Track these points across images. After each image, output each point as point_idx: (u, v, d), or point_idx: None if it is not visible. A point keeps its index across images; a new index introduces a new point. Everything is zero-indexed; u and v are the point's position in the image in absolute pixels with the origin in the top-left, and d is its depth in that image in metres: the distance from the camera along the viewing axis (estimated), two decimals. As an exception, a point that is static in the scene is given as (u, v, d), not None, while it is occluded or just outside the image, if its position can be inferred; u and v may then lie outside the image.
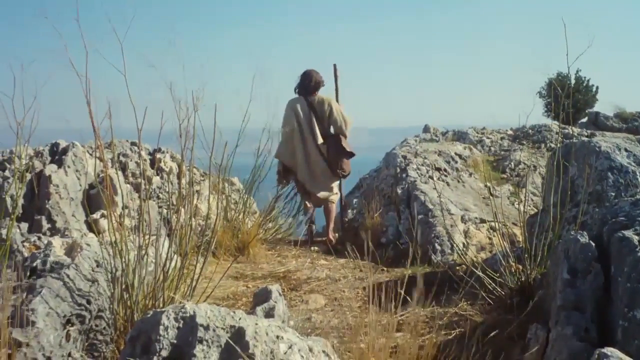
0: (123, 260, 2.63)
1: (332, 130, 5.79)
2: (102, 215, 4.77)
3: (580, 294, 2.33)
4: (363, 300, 3.77)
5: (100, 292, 2.62)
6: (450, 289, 3.65)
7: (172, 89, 2.73)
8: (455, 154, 7.57)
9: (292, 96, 5.86)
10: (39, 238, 4.16)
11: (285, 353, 1.77)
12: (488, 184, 6.95)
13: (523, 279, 3.17)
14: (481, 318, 3.13)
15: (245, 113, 5.19)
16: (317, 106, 5.72)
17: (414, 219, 5.53)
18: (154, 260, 2.72)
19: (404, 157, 6.87)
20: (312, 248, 5.53)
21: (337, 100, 6.03)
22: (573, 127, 9.88)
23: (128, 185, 5.58)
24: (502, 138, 9.27)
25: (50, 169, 5.00)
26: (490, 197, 5.34)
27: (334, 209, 5.91)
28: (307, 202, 5.81)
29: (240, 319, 1.83)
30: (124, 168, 5.81)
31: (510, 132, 9.62)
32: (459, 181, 6.79)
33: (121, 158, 5.87)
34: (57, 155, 5.33)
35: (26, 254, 3.28)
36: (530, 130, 9.35)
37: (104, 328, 2.57)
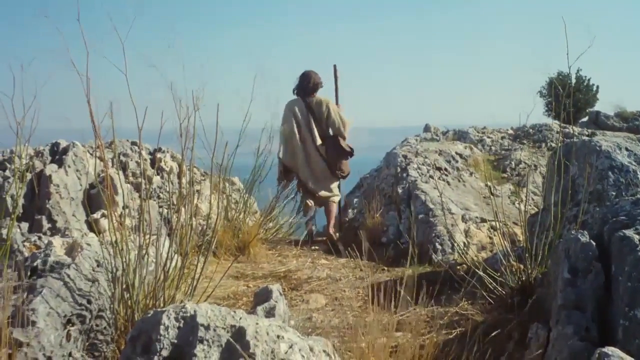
0: (123, 260, 2.63)
1: (330, 131, 5.80)
2: (103, 215, 4.77)
3: (581, 293, 2.33)
4: (364, 300, 3.77)
5: (101, 292, 2.62)
6: (451, 289, 3.65)
7: (173, 88, 2.73)
8: (456, 153, 7.57)
9: (292, 96, 5.87)
10: (40, 238, 4.17)
11: (286, 353, 1.77)
12: (489, 184, 6.94)
13: (524, 279, 3.17)
14: (482, 317, 3.13)
15: (246, 113, 5.20)
16: (315, 107, 5.73)
17: (414, 218, 5.52)
18: (154, 260, 2.72)
19: (405, 157, 6.86)
20: (313, 248, 5.53)
21: (337, 101, 6.04)
22: (574, 127, 9.87)
23: (128, 185, 5.58)
24: (502, 137, 9.26)
25: (51, 169, 5.00)
26: (491, 197, 5.34)
27: (335, 208, 5.92)
28: (307, 202, 5.82)
29: (240, 318, 1.83)
30: (124, 168, 5.81)
31: (510, 131, 9.62)
32: (459, 180, 6.79)
33: (122, 158, 5.87)
34: (58, 155, 5.33)
35: (27, 254, 3.28)
36: (530, 130, 9.34)
37: (105, 328, 2.57)
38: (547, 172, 5.09)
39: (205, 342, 1.75)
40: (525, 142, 8.96)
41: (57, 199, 4.87)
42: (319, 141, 5.73)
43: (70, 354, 2.31)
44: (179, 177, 5.84)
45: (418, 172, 6.42)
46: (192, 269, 2.86)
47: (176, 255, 2.83)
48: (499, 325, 2.86)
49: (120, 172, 5.32)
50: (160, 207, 5.60)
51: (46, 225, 4.76)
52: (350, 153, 5.81)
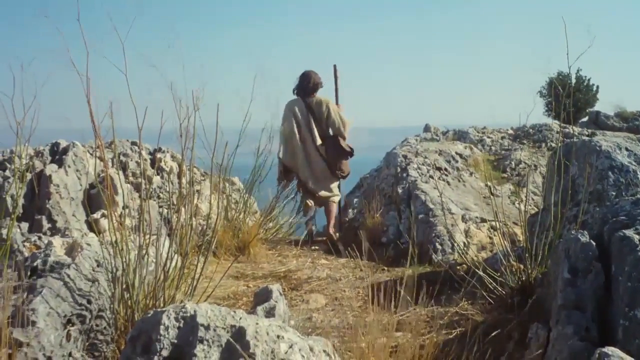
0: (123, 260, 2.63)
1: (330, 131, 5.80)
2: (103, 215, 4.77)
3: (581, 293, 2.33)
4: (364, 300, 3.77)
5: (101, 292, 2.62)
6: (451, 289, 3.65)
7: (173, 88, 2.73)
8: (456, 153, 7.57)
9: (292, 96, 5.87)
10: (40, 238, 4.17)
11: (286, 353, 1.77)
12: (489, 183, 6.94)
13: (524, 279, 3.17)
14: (482, 317, 3.13)
15: (247, 113, 5.20)
16: (315, 107, 5.74)
17: (414, 218, 5.52)
18: (154, 260, 2.72)
19: (405, 157, 6.86)
20: (313, 248, 5.53)
21: (337, 101, 6.04)
22: (574, 127, 9.87)
23: (128, 185, 5.58)
24: (502, 137, 9.26)
25: (51, 169, 5.00)
26: (491, 197, 5.34)
27: (334, 208, 5.92)
28: (307, 202, 5.82)
29: (240, 318, 1.83)
30: (124, 168, 5.81)
31: (510, 131, 9.61)
32: (459, 180, 6.79)
33: (122, 158, 5.88)
34: (58, 155, 5.33)
35: (27, 254, 3.28)
36: (530, 130, 9.34)
37: (105, 328, 2.57)
38: (547, 172, 5.09)
39: (205, 342, 1.75)
40: (525, 142, 8.96)
41: (57, 199, 4.87)
42: (318, 141, 5.73)
43: (70, 354, 2.31)
44: (179, 177, 5.84)
45: (418, 172, 6.42)
46: (192, 269, 2.86)
47: (176, 255, 2.83)
48: (499, 325, 2.86)
49: (120, 172, 5.33)
50: (160, 207, 5.60)
51: (46, 225, 4.76)
52: (350, 153, 5.81)
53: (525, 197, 5.73)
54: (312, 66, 6.01)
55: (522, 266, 3.23)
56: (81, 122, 2.70)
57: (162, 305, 2.61)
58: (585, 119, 14.01)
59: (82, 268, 2.60)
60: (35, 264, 2.55)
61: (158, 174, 6.04)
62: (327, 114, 5.72)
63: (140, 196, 4.83)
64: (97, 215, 4.86)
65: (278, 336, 1.81)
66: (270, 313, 2.61)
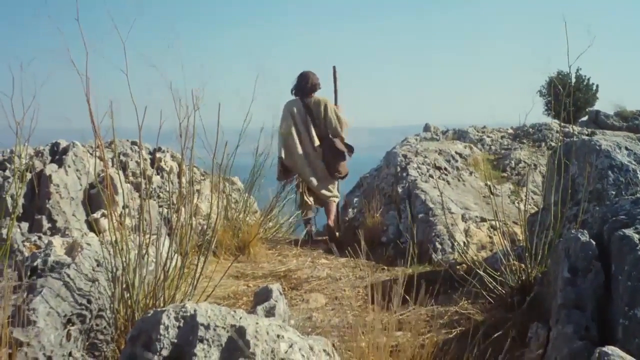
0: (123, 259, 2.63)
1: (328, 131, 5.81)
2: (103, 215, 4.77)
3: (580, 292, 2.33)
4: (364, 299, 3.77)
5: (101, 292, 2.62)
6: (451, 288, 3.65)
7: (173, 88, 2.73)
8: (456, 152, 7.57)
9: (292, 96, 5.88)
10: (40, 238, 4.17)
11: (286, 352, 1.77)
12: (488, 183, 6.95)
13: (524, 278, 3.17)
14: (482, 317, 3.13)
15: (247, 113, 5.20)
16: (313, 107, 5.75)
17: (414, 217, 5.52)
18: (154, 260, 2.72)
19: (405, 156, 6.86)
20: (313, 247, 5.53)
21: (336, 102, 6.04)
22: (573, 126, 9.87)
23: (128, 185, 5.58)
24: (502, 137, 9.26)
25: (51, 169, 5.00)
26: (491, 196, 5.34)
27: (334, 207, 5.94)
28: (307, 201, 5.82)
29: (240, 318, 1.83)
30: (124, 167, 5.81)
31: (510, 130, 9.62)
32: (459, 180, 6.79)
33: (121, 157, 5.88)
34: (58, 154, 5.34)
35: (27, 254, 3.28)
36: (530, 129, 9.34)
37: (105, 327, 2.57)
38: (547, 172, 5.09)
39: (205, 342, 1.75)
40: (525, 141, 8.96)
41: (57, 199, 4.87)
42: (316, 142, 5.74)
43: (70, 354, 2.32)
44: (179, 176, 5.84)
45: (418, 171, 6.42)
46: (192, 268, 2.86)
47: (176, 254, 2.83)
48: (499, 324, 2.86)
49: (120, 172, 5.33)
50: (160, 206, 5.60)
51: (46, 225, 4.76)
52: (350, 150, 5.82)
53: (525, 196, 5.74)
54: (312, 66, 6.03)
55: (522, 265, 3.23)
56: (81, 122, 2.71)
57: (162, 304, 2.61)
58: (585, 118, 14.00)
59: (82, 268, 2.60)
60: (35, 263, 2.55)
61: (158, 174, 6.04)
62: (324, 114, 5.73)
63: (140, 196, 4.83)
64: (97, 215, 4.86)
65: (278, 335, 1.81)
66: (270, 312, 2.61)
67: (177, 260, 2.80)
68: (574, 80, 14.11)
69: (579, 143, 4.69)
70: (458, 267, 4.06)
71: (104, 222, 4.64)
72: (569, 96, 4.22)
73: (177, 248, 2.89)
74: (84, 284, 2.54)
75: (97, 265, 2.71)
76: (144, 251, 2.67)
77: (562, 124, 7.91)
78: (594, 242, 2.46)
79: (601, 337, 2.19)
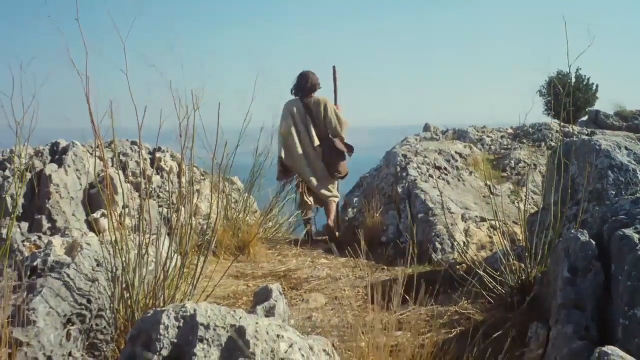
0: (124, 259, 2.63)
1: (328, 131, 5.81)
2: (103, 215, 4.77)
3: (580, 292, 2.33)
4: (364, 299, 3.77)
5: (101, 292, 2.62)
6: (451, 288, 3.65)
7: (173, 88, 2.73)
8: (456, 152, 7.57)
9: (292, 96, 5.88)
10: (40, 238, 4.17)
11: (286, 352, 1.77)
12: (488, 183, 6.94)
13: (524, 278, 3.17)
14: (482, 317, 3.13)
15: (247, 113, 5.20)
16: (313, 107, 5.75)
17: (414, 217, 5.52)
18: (154, 260, 2.72)
19: (405, 156, 6.86)
20: (313, 247, 5.54)
21: (335, 102, 6.05)
22: (573, 126, 9.87)
23: (128, 185, 5.58)
24: (502, 137, 9.26)
25: (51, 169, 5.00)
26: (491, 196, 5.34)
27: (334, 207, 5.94)
28: (307, 201, 5.83)
29: (240, 318, 1.83)
30: (124, 167, 5.81)
31: (510, 130, 9.61)
32: (459, 180, 6.78)
33: (121, 157, 5.88)
34: (58, 154, 5.33)
35: (27, 254, 3.28)
36: (530, 129, 9.34)
37: (105, 327, 2.57)
38: (547, 172, 5.09)
39: (205, 342, 1.75)
40: (525, 141, 8.96)
41: (57, 199, 4.87)
42: (316, 142, 5.75)
43: (70, 354, 2.32)
44: (179, 176, 5.84)
45: (418, 171, 6.42)
46: (192, 268, 2.86)
47: (176, 254, 2.83)
48: (499, 324, 2.86)
49: (120, 172, 5.33)
50: (160, 206, 5.60)
51: (46, 225, 4.76)
52: (350, 150, 5.82)
53: (525, 196, 5.74)
54: (312, 66, 6.04)
55: (522, 265, 3.23)
56: (81, 122, 2.71)
57: (162, 304, 2.61)
58: (585, 118, 14.00)
59: (82, 268, 2.60)
60: (35, 263, 2.55)
61: (158, 174, 6.04)
62: (324, 114, 5.73)
63: (140, 196, 4.83)
64: (97, 215, 4.86)
65: (278, 335, 1.81)
66: (270, 312, 2.61)
67: (177, 260, 2.80)
68: (574, 80, 14.10)
69: (579, 143, 4.69)
70: (458, 267, 4.06)
71: (104, 222, 4.64)
72: (569, 96, 4.22)
73: (177, 248, 2.89)
74: (84, 284, 2.54)
75: (97, 265, 2.71)
76: (144, 251, 2.67)
77: (562, 124, 7.91)
78: (594, 242, 2.46)
79: (601, 337, 2.19)
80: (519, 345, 2.62)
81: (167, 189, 5.73)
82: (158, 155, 6.18)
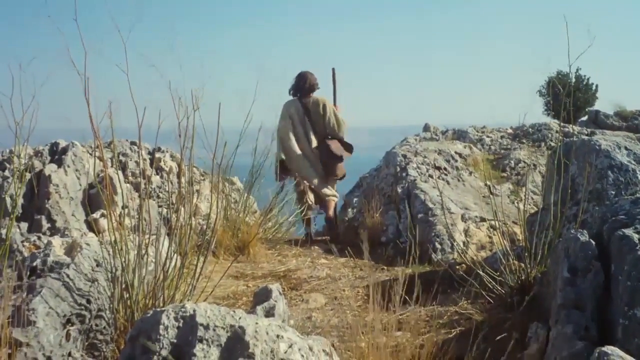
0: (123, 259, 2.63)
1: (327, 131, 5.82)
2: (102, 215, 4.77)
3: (580, 292, 2.33)
4: (363, 299, 3.77)
5: (100, 292, 2.62)
6: (451, 288, 3.65)
7: (172, 88, 2.72)
8: (455, 152, 7.56)
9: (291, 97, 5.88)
10: (39, 238, 4.16)
11: (285, 352, 1.77)
12: (488, 183, 6.94)
13: (523, 278, 3.17)
14: (481, 317, 3.13)
15: (248, 113, 5.20)
16: (311, 107, 5.75)
17: (414, 217, 5.52)
18: (154, 260, 2.72)
19: (404, 156, 6.86)
20: (313, 247, 5.53)
21: (334, 104, 6.05)
22: (573, 126, 9.87)
23: (128, 185, 5.58)
24: (502, 137, 9.25)
25: (50, 169, 5.00)
26: (491, 196, 5.34)
27: (333, 204, 5.96)
28: (308, 201, 5.83)
29: (240, 318, 1.83)
30: (123, 167, 5.81)
31: (510, 130, 9.61)
32: (459, 180, 6.78)
33: (121, 157, 5.87)
34: (57, 154, 5.33)
35: (26, 254, 3.28)
36: (530, 129, 9.33)
37: (104, 327, 2.57)
38: (546, 171, 5.09)
39: (204, 342, 1.75)
40: (524, 141, 8.96)
41: (57, 199, 4.87)
42: (314, 142, 5.75)
43: (69, 354, 2.32)
44: (179, 176, 5.84)
45: (417, 171, 6.42)
46: (192, 268, 2.86)
47: (175, 255, 2.83)
48: (499, 324, 2.86)
49: (120, 172, 5.32)
50: (159, 206, 5.60)
51: (45, 225, 4.76)
52: (349, 149, 5.83)
53: (525, 196, 5.73)
54: (312, 67, 6.07)
55: (521, 265, 3.23)
56: (81, 122, 2.70)
57: (161, 304, 2.61)
58: (585, 118, 14.00)
59: (81, 268, 2.60)
60: (34, 264, 2.55)
61: (157, 174, 6.04)
62: (323, 114, 5.73)
63: (139, 196, 4.83)
64: (96, 215, 4.86)
65: (278, 336, 1.81)
66: (269, 313, 2.61)
67: (176, 260, 2.80)
68: (573, 80, 14.11)
69: (579, 143, 4.69)
70: (458, 267, 4.05)
71: (104, 222, 4.64)
72: (568, 96, 4.22)
73: (176, 248, 2.89)
74: (83, 284, 2.54)
75: (97, 266, 2.71)
76: (143, 251, 2.67)
77: (562, 123, 7.91)
78: (593, 242, 2.46)
79: (601, 337, 2.19)
80: (518, 345, 2.62)
81: (167, 189, 5.73)
82: (157, 155, 6.17)
